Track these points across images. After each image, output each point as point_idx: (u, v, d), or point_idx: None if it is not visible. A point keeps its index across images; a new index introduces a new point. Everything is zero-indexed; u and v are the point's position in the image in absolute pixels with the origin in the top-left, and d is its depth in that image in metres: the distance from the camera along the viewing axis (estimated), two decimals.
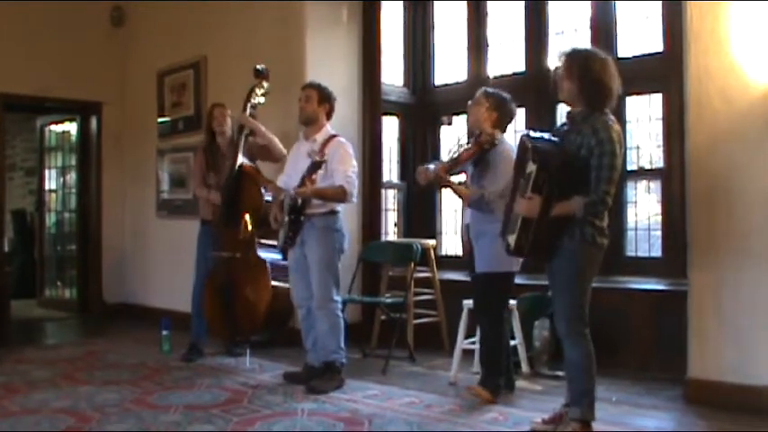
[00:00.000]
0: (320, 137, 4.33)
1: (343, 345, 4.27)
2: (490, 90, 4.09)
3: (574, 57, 3.21)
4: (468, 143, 3.96)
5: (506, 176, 3.71)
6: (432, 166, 4.03)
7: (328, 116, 4.44)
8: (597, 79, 3.13)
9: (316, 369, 4.27)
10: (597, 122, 3.13)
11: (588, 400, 3.20)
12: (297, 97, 4.44)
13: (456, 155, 3.94)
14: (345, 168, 4.22)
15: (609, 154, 3.07)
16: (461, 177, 4.20)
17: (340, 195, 4.19)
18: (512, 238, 3.27)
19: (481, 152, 3.87)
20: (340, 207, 4.33)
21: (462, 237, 4.24)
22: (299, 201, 4.20)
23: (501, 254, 3.71)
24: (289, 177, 4.42)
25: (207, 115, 5.20)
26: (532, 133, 3.37)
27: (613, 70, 3.18)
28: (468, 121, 4.06)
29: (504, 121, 4.01)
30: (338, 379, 4.19)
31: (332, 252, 4.26)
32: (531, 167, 3.13)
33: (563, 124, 3.39)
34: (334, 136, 4.36)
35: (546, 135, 3.38)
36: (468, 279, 4.23)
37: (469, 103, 4.09)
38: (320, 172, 4.11)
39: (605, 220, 3.27)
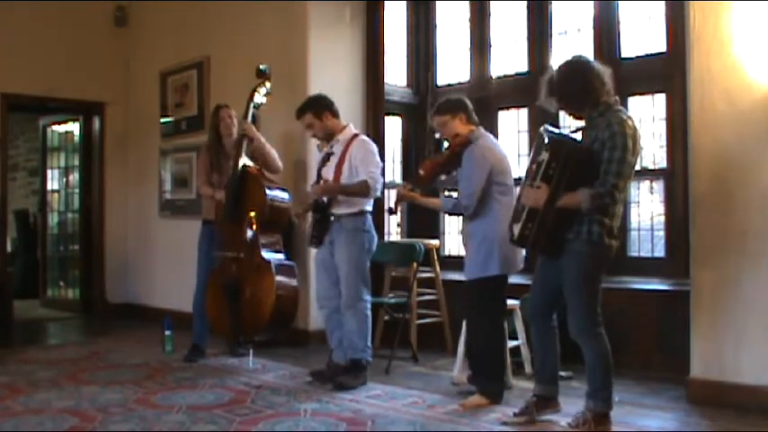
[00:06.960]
0: (342, 137, 4.36)
1: (369, 343, 4.30)
2: (439, 104, 3.96)
3: (553, 81, 3.37)
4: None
5: (480, 177, 3.70)
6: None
7: (336, 116, 4.40)
8: (580, 84, 3.27)
9: (341, 367, 4.30)
10: (613, 117, 3.20)
11: (603, 394, 3.24)
12: (300, 97, 4.44)
13: (420, 171, 3.93)
14: (368, 165, 4.24)
15: (620, 148, 3.11)
16: None
17: (363, 190, 4.20)
18: (516, 228, 3.30)
19: (456, 155, 3.83)
20: (369, 207, 4.34)
21: (463, 239, 4.23)
22: (323, 199, 4.23)
23: (486, 258, 3.73)
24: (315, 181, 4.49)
25: (212, 116, 5.17)
26: (551, 127, 3.38)
27: (583, 68, 3.31)
28: (443, 136, 4.03)
29: (470, 115, 3.91)
30: (363, 376, 4.23)
31: (360, 252, 4.27)
32: (544, 156, 3.19)
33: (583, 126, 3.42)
34: (356, 135, 4.39)
35: (565, 131, 3.46)
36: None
37: (435, 125, 3.97)
38: (344, 172, 4.17)
39: (616, 220, 3.28)
